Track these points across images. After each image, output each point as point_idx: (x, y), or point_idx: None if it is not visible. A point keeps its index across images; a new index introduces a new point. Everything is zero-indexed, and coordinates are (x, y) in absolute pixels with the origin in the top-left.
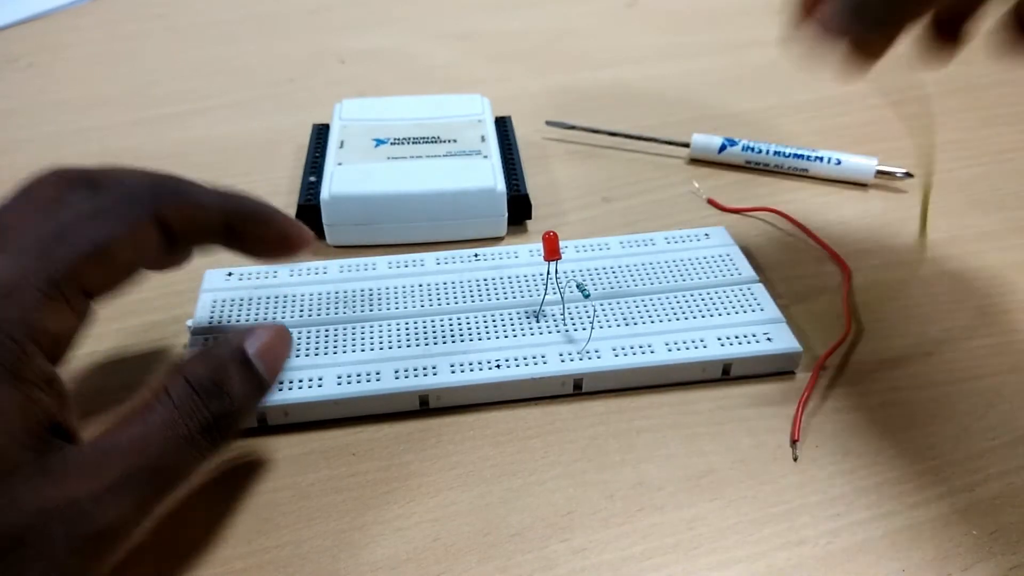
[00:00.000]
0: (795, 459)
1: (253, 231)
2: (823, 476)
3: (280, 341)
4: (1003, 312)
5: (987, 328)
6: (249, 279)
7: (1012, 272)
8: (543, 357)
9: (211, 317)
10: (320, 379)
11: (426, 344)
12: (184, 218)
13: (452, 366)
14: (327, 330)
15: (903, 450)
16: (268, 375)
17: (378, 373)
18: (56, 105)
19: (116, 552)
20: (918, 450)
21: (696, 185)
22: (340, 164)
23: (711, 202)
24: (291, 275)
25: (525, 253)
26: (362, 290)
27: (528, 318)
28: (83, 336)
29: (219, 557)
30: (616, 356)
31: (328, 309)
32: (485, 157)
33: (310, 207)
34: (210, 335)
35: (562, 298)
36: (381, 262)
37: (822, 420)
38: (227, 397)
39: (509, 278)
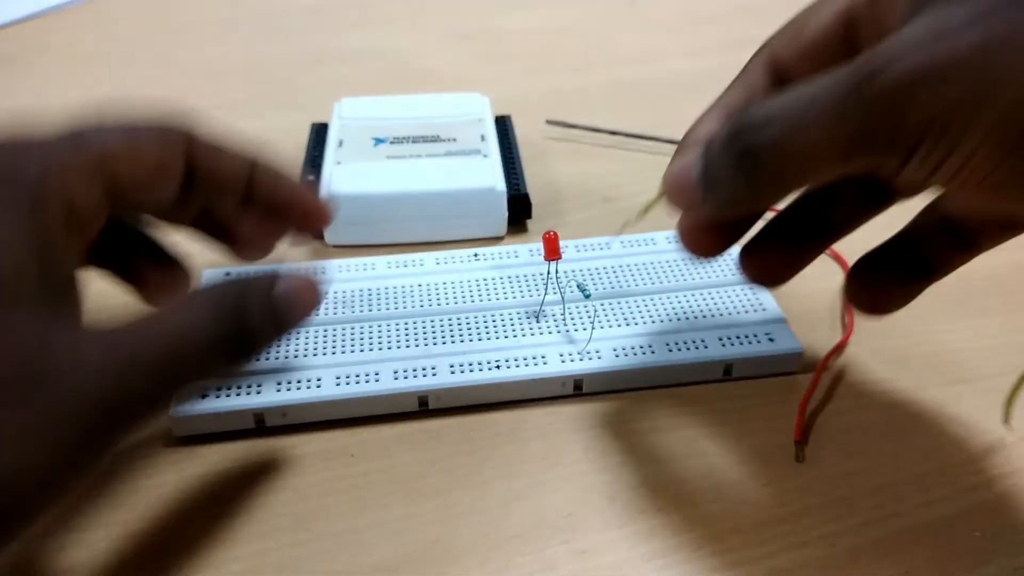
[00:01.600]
0: (799, 460)
1: (274, 195)
2: (825, 477)
3: (309, 287)
4: (1006, 312)
5: (989, 328)
6: None
7: (1012, 272)
8: (543, 358)
9: None
10: (319, 380)
11: (425, 344)
12: (211, 160)
13: (452, 367)
14: (326, 330)
15: (906, 451)
16: (291, 313)
17: (377, 374)
18: (56, 105)
19: (124, 433)
20: (921, 451)
21: None
22: (339, 163)
23: None
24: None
25: (525, 253)
26: (361, 290)
27: (528, 318)
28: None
29: (218, 558)
30: (617, 357)
31: (327, 309)
32: (485, 156)
33: None
34: None
35: (562, 298)
36: (380, 262)
37: (824, 421)
38: (245, 323)
39: (509, 278)
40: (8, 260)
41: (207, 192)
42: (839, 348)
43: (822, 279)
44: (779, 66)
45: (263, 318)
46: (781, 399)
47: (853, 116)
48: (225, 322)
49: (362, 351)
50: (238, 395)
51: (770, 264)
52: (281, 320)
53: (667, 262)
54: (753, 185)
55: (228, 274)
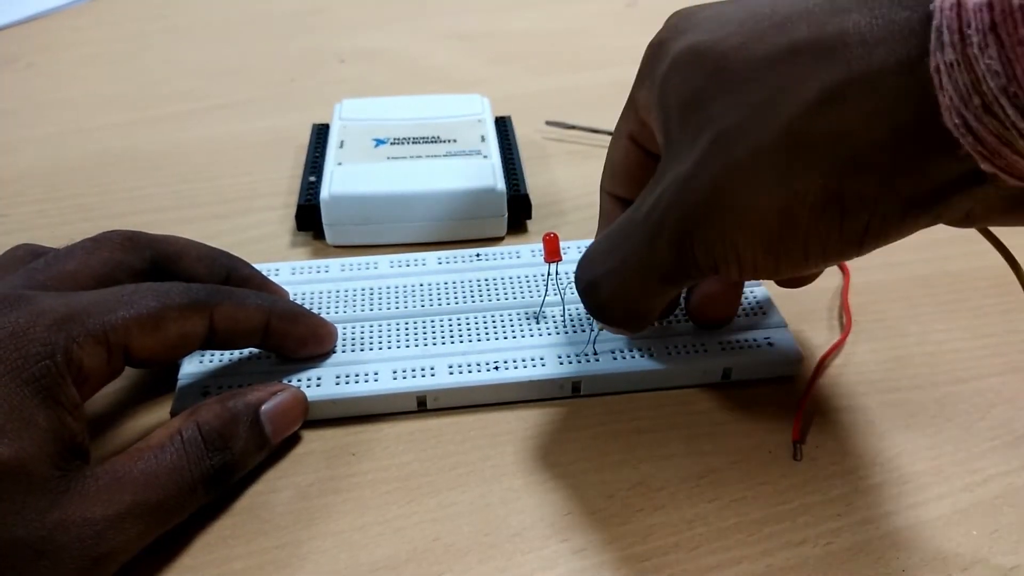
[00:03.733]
0: (798, 459)
1: (287, 329)
2: (823, 476)
3: (296, 407)
4: (1003, 312)
5: (987, 328)
6: None
7: (1009, 272)
8: (542, 359)
9: None
10: (319, 379)
11: (425, 344)
12: (232, 321)
13: (450, 367)
14: None
15: (903, 450)
16: (274, 437)
17: (376, 373)
18: (56, 105)
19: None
20: (918, 450)
21: None
22: (340, 164)
23: None
24: (293, 273)
25: (527, 253)
26: (363, 289)
27: (528, 319)
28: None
29: (219, 557)
30: (615, 359)
31: (328, 308)
32: (485, 157)
33: (310, 207)
34: None
35: (563, 300)
36: (383, 261)
37: (822, 420)
38: (230, 452)
39: (510, 279)
40: (30, 444)
41: (225, 343)
42: (837, 347)
43: (820, 279)
44: (620, 198)
45: (249, 443)
46: (779, 398)
47: (656, 267)
48: (215, 456)
49: (362, 350)
50: None
51: (715, 307)
52: (266, 442)
53: None
54: (617, 324)
55: (206, 391)
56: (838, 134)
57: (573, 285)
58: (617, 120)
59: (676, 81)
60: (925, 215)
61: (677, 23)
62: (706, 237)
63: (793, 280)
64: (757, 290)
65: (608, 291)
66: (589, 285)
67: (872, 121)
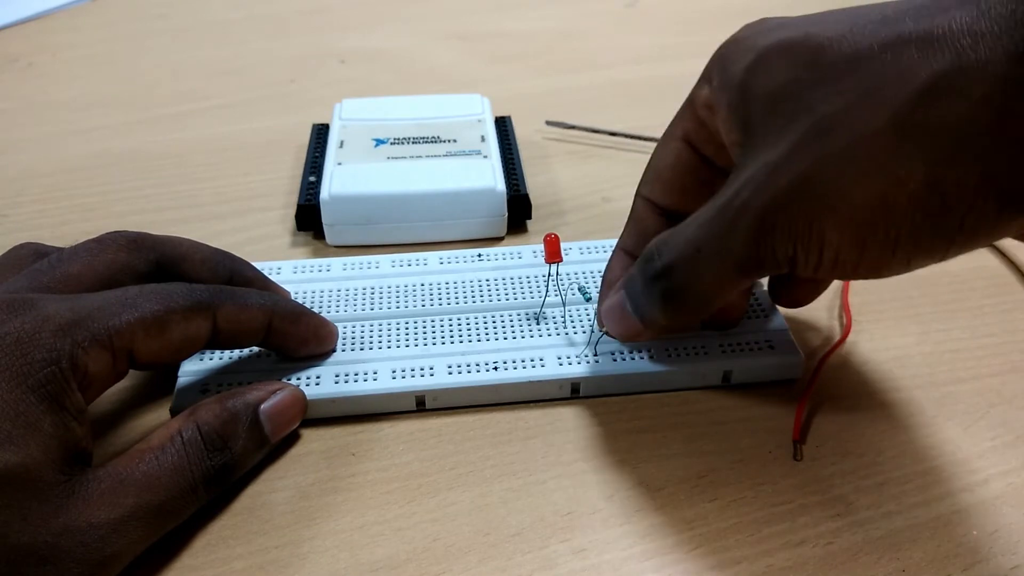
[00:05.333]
0: (798, 459)
1: (288, 329)
2: (823, 476)
3: (295, 405)
4: (1003, 312)
5: (987, 328)
6: None
7: (1009, 272)
8: (541, 360)
9: None
10: (318, 377)
11: (425, 344)
12: (235, 323)
13: (450, 367)
14: None
15: (903, 450)
16: (273, 436)
17: (375, 372)
18: (56, 105)
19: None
20: (918, 450)
21: None
22: (340, 164)
23: None
24: (294, 272)
25: (528, 254)
26: (364, 288)
27: (528, 320)
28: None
29: (219, 557)
30: (615, 361)
31: (328, 307)
32: (485, 157)
33: (310, 207)
34: None
35: (563, 301)
36: (384, 260)
37: (822, 420)
38: (230, 452)
39: (511, 279)
40: (35, 450)
41: (228, 344)
42: (837, 347)
43: None
44: (658, 205)
45: (248, 443)
46: (779, 398)
47: (733, 254)
48: (215, 456)
49: (362, 349)
50: None
51: (796, 294)
52: (265, 441)
53: None
54: (680, 317)
55: (205, 389)
56: (945, 123)
57: (574, 287)
58: (669, 124)
59: (764, 73)
60: (1019, 217)
61: (756, 26)
62: (791, 224)
63: (795, 299)
64: (758, 292)
65: (683, 278)
66: (666, 269)
67: (979, 111)
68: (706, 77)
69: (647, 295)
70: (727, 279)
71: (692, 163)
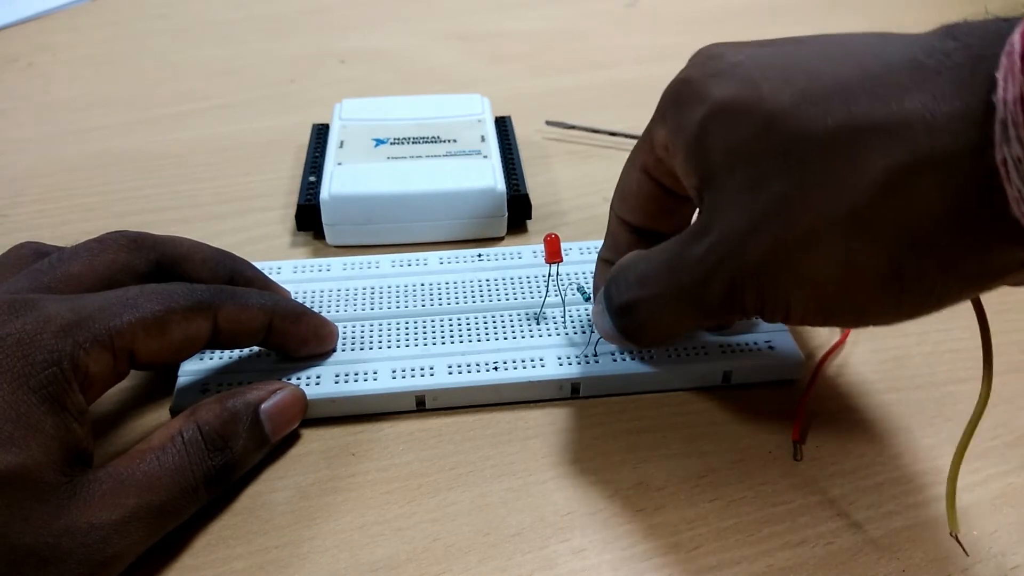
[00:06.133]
0: (798, 459)
1: (289, 329)
2: (823, 476)
3: (295, 405)
4: (1003, 312)
5: None
6: None
7: None
8: (541, 360)
9: None
10: (318, 377)
11: (425, 344)
12: (235, 323)
13: (450, 367)
14: None
15: (903, 450)
16: (273, 435)
17: (375, 372)
18: (56, 105)
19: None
20: (918, 450)
21: None
22: (340, 164)
23: None
24: (294, 272)
25: (528, 254)
26: (364, 288)
27: (529, 320)
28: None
29: (219, 557)
30: (615, 361)
31: (328, 307)
32: (485, 157)
33: (310, 207)
34: None
35: (563, 301)
36: (385, 260)
37: (822, 420)
38: (231, 452)
39: (511, 279)
40: (37, 451)
41: (228, 343)
42: (837, 347)
43: None
44: (627, 222)
45: (249, 442)
46: (779, 399)
47: (703, 302)
48: (215, 456)
49: (362, 349)
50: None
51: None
52: (266, 441)
53: None
54: (642, 345)
55: (205, 388)
56: (903, 216)
57: (573, 287)
58: (631, 151)
59: (717, 130)
60: (983, 289)
61: (707, 64)
62: (760, 289)
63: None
64: None
65: (645, 315)
66: (626, 306)
67: (937, 206)
68: (660, 117)
69: (613, 323)
70: (689, 322)
71: (654, 192)
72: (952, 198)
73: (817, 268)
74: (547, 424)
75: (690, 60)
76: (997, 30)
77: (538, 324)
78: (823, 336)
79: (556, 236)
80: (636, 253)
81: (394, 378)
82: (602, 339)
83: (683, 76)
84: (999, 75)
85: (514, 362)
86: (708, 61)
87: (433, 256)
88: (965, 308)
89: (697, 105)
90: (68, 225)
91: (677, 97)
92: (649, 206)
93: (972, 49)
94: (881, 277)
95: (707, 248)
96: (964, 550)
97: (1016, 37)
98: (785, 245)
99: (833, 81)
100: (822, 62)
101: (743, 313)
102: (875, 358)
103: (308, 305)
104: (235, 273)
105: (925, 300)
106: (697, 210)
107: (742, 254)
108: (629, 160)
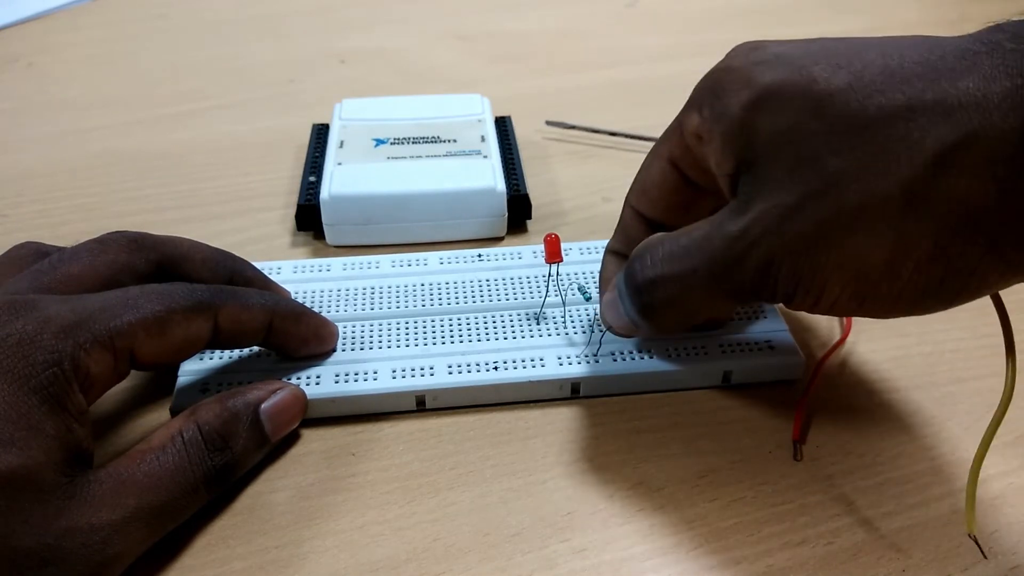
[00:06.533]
0: (798, 459)
1: (289, 329)
2: (823, 476)
3: (295, 405)
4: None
5: (987, 328)
6: None
7: None
8: (541, 360)
9: None
10: (318, 377)
11: (425, 344)
12: (236, 323)
13: (450, 367)
14: None
15: (903, 450)
16: (273, 435)
17: (375, 372)
18: (56, 105)
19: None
20: (918, 450)
21: None
22: (340, 164)
23: None
24: (294, 272)
25: (528, 254)
26: (364, 288)
27: (529, 320)
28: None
29: (219, 557)
30: (615, 361)
31: (328, 307)
32: (485, 157)
33: (310, 207)
34: None
35: (563, 301)
36: (385, 260)
37: (822, 420)
38: (231, 452)
39: (511, 279)
40: (37, 452)
41: (228, 343)
42: (837, 347)
43: None
44: (644, 215)
45: (249, 442)
46: (779, 398)
47: (732, 281)
48: (216, 456)
49: (362, 349)
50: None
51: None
52: (266, 441)
53: None
54: (663, 327)
55: (205, 388)
56: (952, 195)
57: (574, 286)
58: (655, 142)
59: (765, 112)
60: (1021, 278)
61: (750, 54)
62: (798, 269)
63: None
64: None
65: (671, 291)
66: (649, 283)
67: (986, 185)
68: (695, 104)
69: (632, 303)
70: (713, 302)
71: (677, 184)
72: (1002, 176)
73: (862, 248)
74: (548, 424)
75: (729, 53)
76: None
77: (538, 324)
78: (823, 336)
79: (556, 236)
80: (660, 235)
81: (394, 378)
82: (603, 339)
83: (724, 65)
84: None
85: (514, 362)
86: (751, 52)
87: (433, 256)
88: (965, 308)
89: (742, 90)
90: (68, 225)
91: (717, 84)
92: (670, 198)
93: (1020, 39)
94: (927, 256)
95: (746, 224)
96: (982, 551)
97: None
98: (832, 223)
99: (884, 66)
100: (872, 52)
101: (771, 295)
102: (875, 358)
103: (308, 305)
104: (235, 273)
105: (965, 285)
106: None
107: (785, 231)
108: (653, 151)
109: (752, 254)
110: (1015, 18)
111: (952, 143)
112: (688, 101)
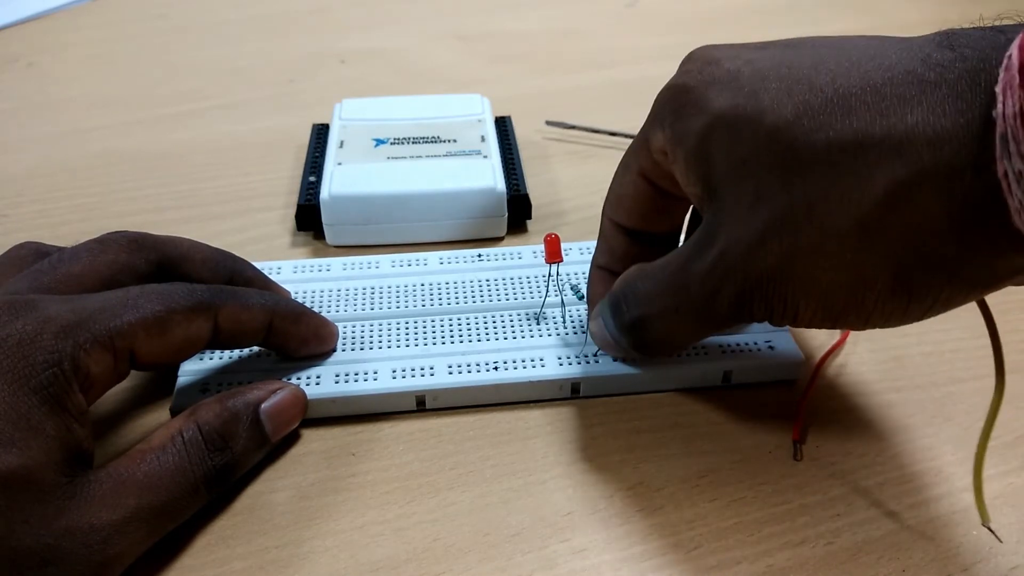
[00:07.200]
0: (798, 459)
1: (289, 329)
2: (823, 476)
3: (295, 405)
4: (1003, 312)
5: (985, 328)
6: None
7: None
8: (541, 360)
9: None
10: (318, 377)
11: (425, 344)
12: (235, 321)
13: (450, 367)
14: None
15: (903, 450)
16: (273, 435)
17: (375, 372)
18: (56, 105)
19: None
20: (918, 450)
21: None
22: (340, 164)
23: None
24: (294, 272)
25: (528, 254)
26: (364, 288)
27: (529, 320)
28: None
29: (219, 557)
30: (615, 361)
31: (328, 307)
32: (485, 157)
33: (310, 207)
34: None
35: (563, 301)
36: (384, 260)
37: (822, 420)
38: (231, 452)
39: (511, 279)
40: (37, 452)
41: (228, 344)
42: (837, 347)
43: None
44: (622, 225)
45: (249, 442)
46: (779, 398)
47: (712, 312)
48: (216, 456)
49: (362, 349)
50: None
51: None
52: (266, 441)
53: None
54: (655, 357)
55: (205, 388)
56: (908, 229)
57: (573, 287)
58: (624, 153)
59: (720, 142)
60: (987, 292)
61: (704, 70)
62: (767, 298)
63: None
64: None
65: (659, 331)
66: (638, 321)
67: (941, 219)
68: (657, 121)
69: (623, 339)
70: (700, 333)
71: (650, 194)
72: (955, 211)
73: (823, 281)
74: (547, 424)
75: (684, 63)
76: (994, 41)
77: (538, 324)
78: (823, 336)
79: (556, 236)
80: (639, 267)
81: (394, 378)
82: None
83: (679, 82)
84: (998, 89)
85: (514, 362)
86: (705, 67)
87: (433, 256)
88: (965, 308)
89: (697, 115)
90: (68, 225)
91: (675, 104)
92: (644, 208)
93: (969, 62)
94: (888, 287)
95: (713, 262)
96: (997, 537)
97: (1014, 50)
98: (792, 257)
99: (833, 92)
100: (822, 71)
101: (750, 320)
102: (875, 358)
103: (308, 305)
104: (235, 273)
105: (932, 306)
106: (689, 214)
107: (749, 267)
108: (622, 164)
109: (723, 290)
110: (969, 26)
111: (903, 180)
112: (650, 116)
